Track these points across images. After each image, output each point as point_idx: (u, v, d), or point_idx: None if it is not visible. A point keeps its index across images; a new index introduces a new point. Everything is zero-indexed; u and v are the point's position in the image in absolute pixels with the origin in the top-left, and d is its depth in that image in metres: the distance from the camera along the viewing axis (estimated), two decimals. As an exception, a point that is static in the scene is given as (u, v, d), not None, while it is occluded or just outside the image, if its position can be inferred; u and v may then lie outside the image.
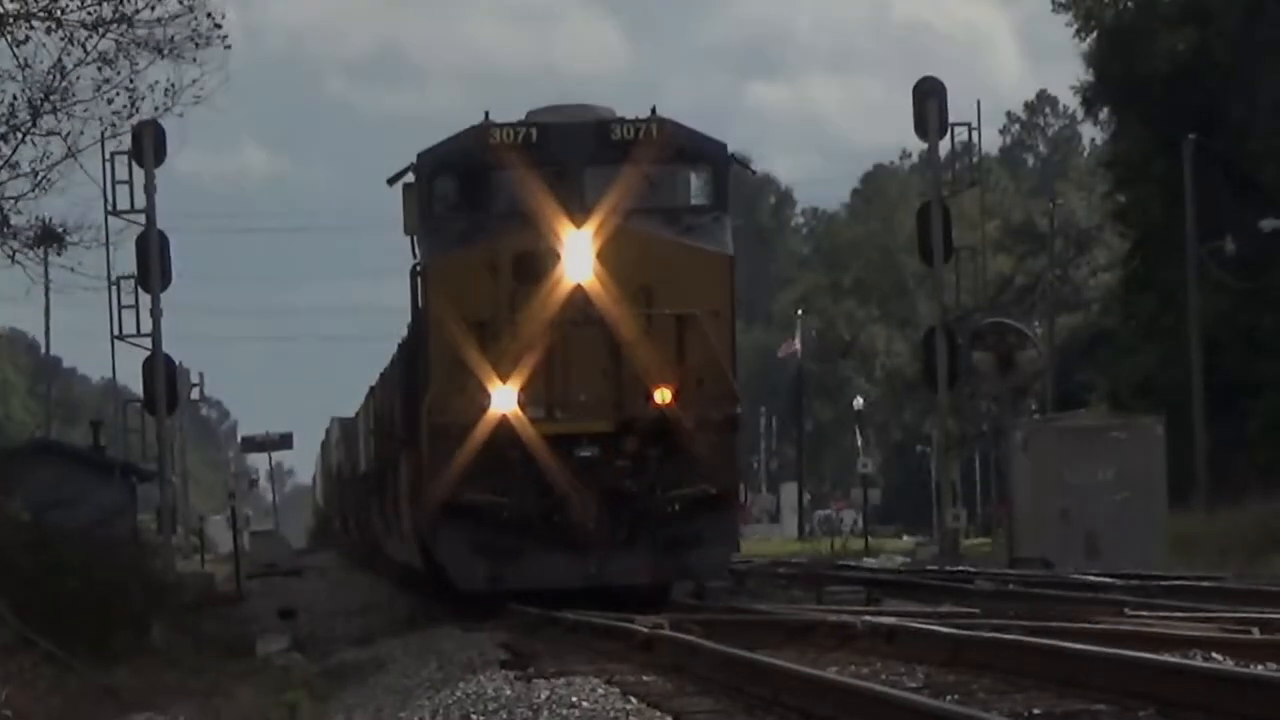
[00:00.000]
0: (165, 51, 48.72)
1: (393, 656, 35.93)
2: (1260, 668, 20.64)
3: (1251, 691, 17.74)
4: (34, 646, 26.87)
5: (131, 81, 49.42)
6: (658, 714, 20.57)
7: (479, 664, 29.33)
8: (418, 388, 37.95)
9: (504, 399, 35.18)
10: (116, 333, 62.06)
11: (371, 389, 59.20)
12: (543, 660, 27.60)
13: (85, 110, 48.95)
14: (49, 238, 51.15)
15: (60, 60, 47.80)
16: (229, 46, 50.57)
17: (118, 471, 68.79)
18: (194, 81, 50.18)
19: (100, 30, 47.48)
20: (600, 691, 22.87)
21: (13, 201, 48.89)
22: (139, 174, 58.07)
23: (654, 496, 35.23)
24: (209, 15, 49.30)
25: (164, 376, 62.10)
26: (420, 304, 37.78)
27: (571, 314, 35.24)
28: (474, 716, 23.22)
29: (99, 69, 48.30)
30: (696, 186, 37.19)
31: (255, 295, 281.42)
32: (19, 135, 47.82)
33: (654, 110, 36.14)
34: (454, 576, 36.33)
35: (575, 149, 36.10)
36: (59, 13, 46.83)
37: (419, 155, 37.34)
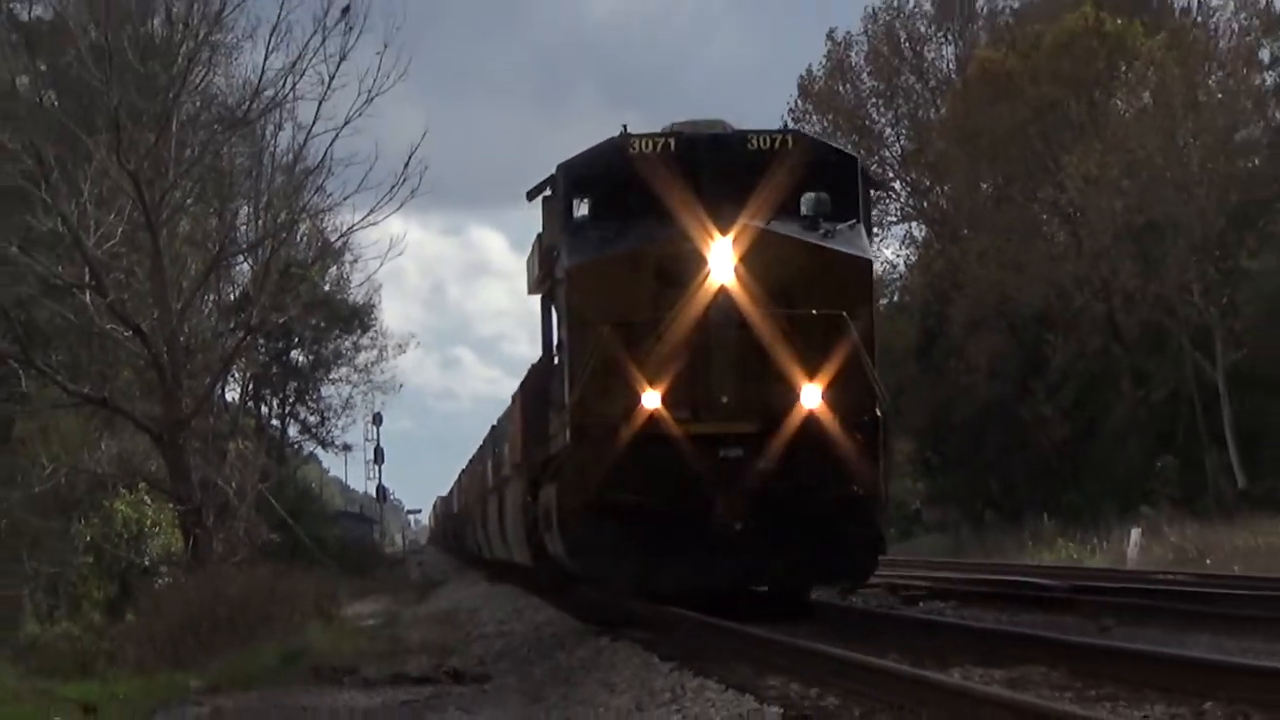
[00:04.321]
0: (383, 390, 51.80)
1: (452, 579, 36.05)
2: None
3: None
4: (341, 574, 29.35)
5: (372, 404, 52.71)
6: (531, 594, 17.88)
7: (480, 581, 29.86)
8: (550, 401, 16.28)
9: (649, 400, 13.96)
10: (367, 476, 66.80)
11: (461, 472, 42.49)
12: (503, 581, 25.67)
13: (355, 410, 50.92)
14: (345, 448, 52.73)
15: (349, 395, 51.13)
16: (402, 387, 53.80)
17: (369, 522, 71.07)
18: (393, 395, 53.96)
19: (359, 383, 50.28)
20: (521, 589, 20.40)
21: (334, 435, 51.81)
22: (372, 429, 59.86)
23: (799, 498, 13.97)
24: (398, 381, 52.19)
25: (380, 491, 64.43)
26: (562, 309, 15.43)
27: (716, 316, 14.12)
28: (479, 598, 23.61)
29: (361, 396, 50.60)
30: (831, 195, 14.99)
31: (414, 458, 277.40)
32: (333, 422, 50.65)
33: (785, 123, 17.24)
34: (596, 576, 14.80)
35: (717, 158, 14.73)
36: (342, 376, 49.89)
37: (559, 166, 15.18)
